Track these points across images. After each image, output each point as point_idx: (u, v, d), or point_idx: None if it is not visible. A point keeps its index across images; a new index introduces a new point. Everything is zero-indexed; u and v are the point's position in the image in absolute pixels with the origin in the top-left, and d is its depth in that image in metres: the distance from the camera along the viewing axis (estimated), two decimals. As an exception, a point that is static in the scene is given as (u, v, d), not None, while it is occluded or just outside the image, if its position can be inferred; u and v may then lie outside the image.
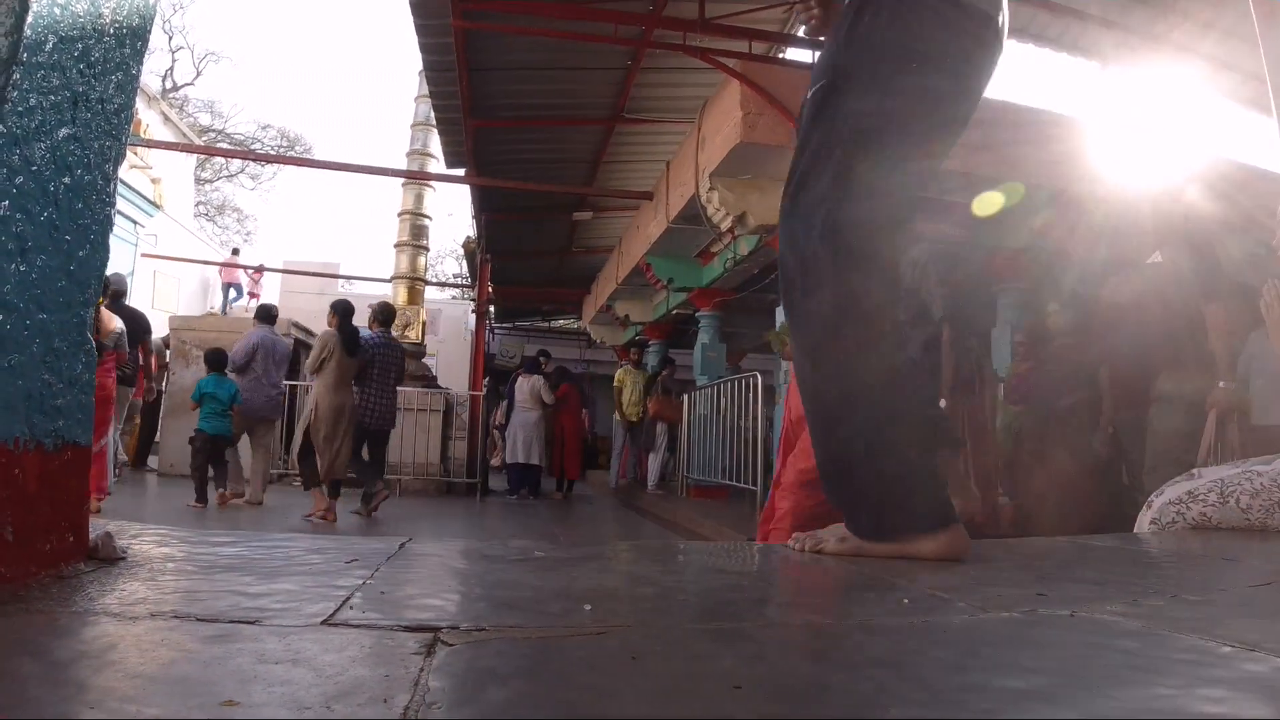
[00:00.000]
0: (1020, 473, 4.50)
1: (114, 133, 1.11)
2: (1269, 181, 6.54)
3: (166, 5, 24.46)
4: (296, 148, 28.10)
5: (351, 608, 0.93)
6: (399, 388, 10.11)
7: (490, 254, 12.52)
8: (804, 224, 1.42)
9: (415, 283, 12.33)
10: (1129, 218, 3.51)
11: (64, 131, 1.01)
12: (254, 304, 17.66)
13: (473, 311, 14.08)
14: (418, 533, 4.83)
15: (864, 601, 1.14)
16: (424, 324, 12.04)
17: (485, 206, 10.94)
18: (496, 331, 18.80)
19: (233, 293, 17.53)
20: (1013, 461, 4.64)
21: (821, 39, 1.65)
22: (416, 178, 11.81)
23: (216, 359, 7.12)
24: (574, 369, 13.18)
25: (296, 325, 11.71)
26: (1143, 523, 2.21)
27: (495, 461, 10.90)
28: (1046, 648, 0.88)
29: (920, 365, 3.29)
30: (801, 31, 6.41)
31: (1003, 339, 6.95)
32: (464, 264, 19.55)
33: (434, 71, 7.38)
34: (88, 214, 1.06)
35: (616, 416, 10.65)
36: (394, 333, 11.27)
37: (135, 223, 13.99)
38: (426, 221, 12.53)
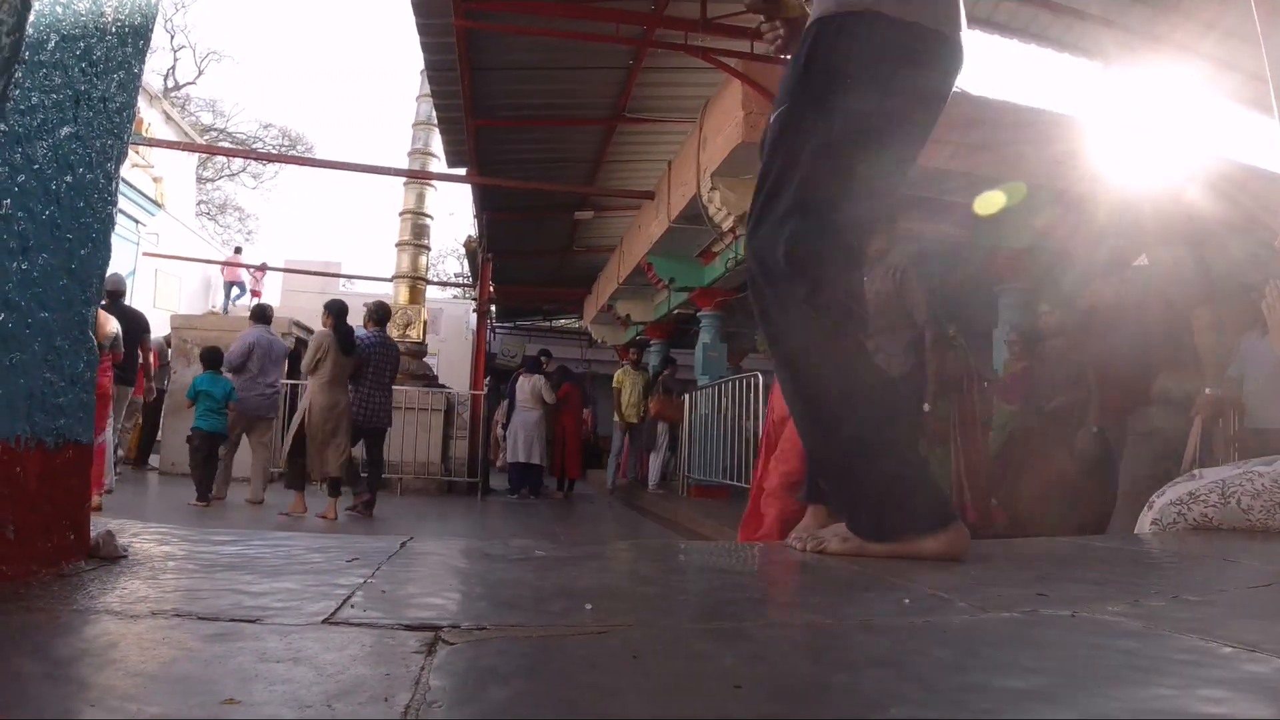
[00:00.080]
0: (1012, 473, 4.49)
1: (116, 131, 1.11)
2: (1270, 182, 6.53)
3: (168, 4, 24.49)
4: (298, 147, 28.14)
5: (353, 606, 0.93)
6: (402, 387, 10.24)
7: (492, 253, 12.52)
8: (769, 243, 1.46)
9: (417, 282, 12.33)
10: (1131, 218, 3.50)
11: (66, 130, 1.01)
12: (256, 302, 17.70)
13: (474, 311, 14.07)
14: (419, 532, 4.83)
15: (864, 601, 1.14)
16: (425, 323, 12.03)
17: (487, 206, 10.94)
18: (498, 331, 18.80)
19: (235, 291, 17.54)
20: (1006, 462, 4.63)
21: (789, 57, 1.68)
22: (418, 177, 11.81)
23: (212, 357, 7.16)
24: (575, 368, 13.17)
25: (298, 324, 11.72)
26: (1144, 523, 2.21)
27: (499, 463, 10.89)
28: (1047, 648, 0.88)
29: (909, 369, 3.31)
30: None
31: (1003, 339, 6.95)
32: (465, 263, 19.56)
33: (436, 71, 7.38)
34: (89, 212, 1.06)
35: (615, 418, 10.62)
36: (395, 332, 11.34)
37: (137, 221, 14.01)
38: (428, 221, 12.53)
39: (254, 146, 25.82)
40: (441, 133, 9.08)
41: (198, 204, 23.72)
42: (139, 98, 1.21)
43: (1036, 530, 3.90)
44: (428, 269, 13.16)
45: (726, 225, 7.42)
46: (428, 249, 12.80)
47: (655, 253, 9.37)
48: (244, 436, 7.34)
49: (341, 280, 20.09)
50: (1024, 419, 4.78)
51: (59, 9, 1.00)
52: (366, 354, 6.80)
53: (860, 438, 1.46)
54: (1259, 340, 4.22)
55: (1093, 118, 7.07)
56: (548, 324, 20.57)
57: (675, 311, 10.89)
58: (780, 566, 1.45)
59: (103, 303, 1.07)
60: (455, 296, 21.68)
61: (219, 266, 17.97)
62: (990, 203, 5.79)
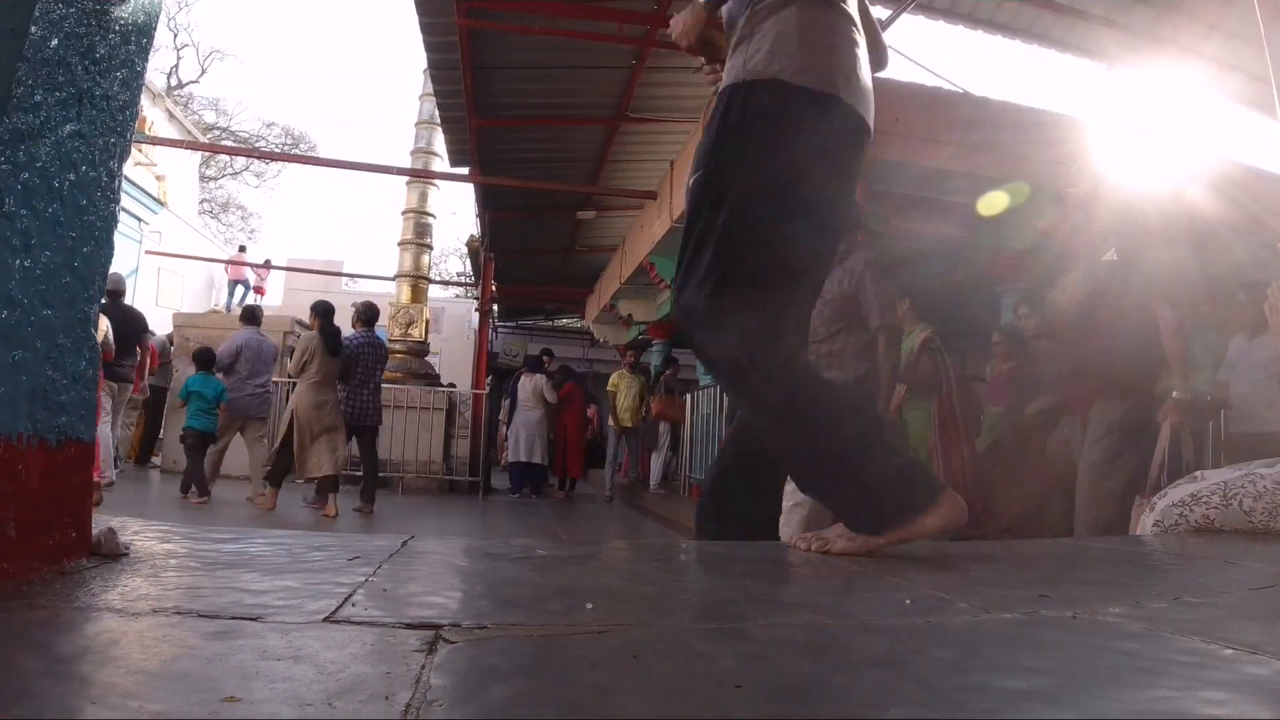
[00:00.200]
0: (998, 476, 4.47)
1: (119, 129, 1.11)
2: (1273, 183, 6.52)
3: (171, 2, 24.51)
4: (301, 145, 28.13)
5: (353, 605, 0.93)
6: (404, 386, 10.25)
7: (494, 252, 12.52)
8: (693, 302, 1.59)
9: (419, 281, 12.32)
10: (1134, 218, 3.48)
11: (69, 128, 1.02)
12: (261, 300, 17.70)
13: (476, 310, 14.07)
14: (420, 530, 4.84)
15: (865, 602, 1.14)
16: (427, 322, 12.01)
17: (489, 205, 10.94)
18: (500, 330, 18.80)
19: (240, 290, 17.55)
20: (993, 464, 4.61)
21: None
22: (420, 176, 11.80)
23: (204, 357, 7.21)
24: (577, 368, 13.16)
25: (300, 323, 11.71)
26: (1145, 524, 2.21)
27: (503, 462, 10.88)
28: (1048, 649, 0.88)
29: (863, 372, 3.32)
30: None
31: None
32: (468, 262, 19.55)
33: (439, 70, 7.37)
34: (92, 210, 1.06)
35: (610, 421, 10.56)
36: (397, 331, 11.35)
37: (140, 220, 14.01)
38: (430, 220, 12.52)
39: (257, 145, 25.82)
40: (444, 132, 9.08)
41: (200, 202, 23.74)
42: (142, 96, 1.21)
43: (1021, 533, 3.87)
44: (430, 268, 13.14)
45: (729, 225, 7.40)
46: (430, 248, 12.79)
47: (657, 253, 9.36)
48: (239, 436, 7.37)
49: (344, 279, 20.09)
50: (1009, 421, 4.79)
51: (62, 7, 1.00)
52: (354, 355, 6.83)
53: (834, 451, 1.53)
54: (1247, 343, 4.21)
55: (1095, 118, 7.06)
56: (550, 323, 20.56)
57: (677, 311, 10.84)
58: (781, 566, 1.45)
59: (103, 301, 1.07)
60: (458, 296, 21.67)
61: (223, 265, 17.99)
62: (993, 203, 5.78)
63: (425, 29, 6.60)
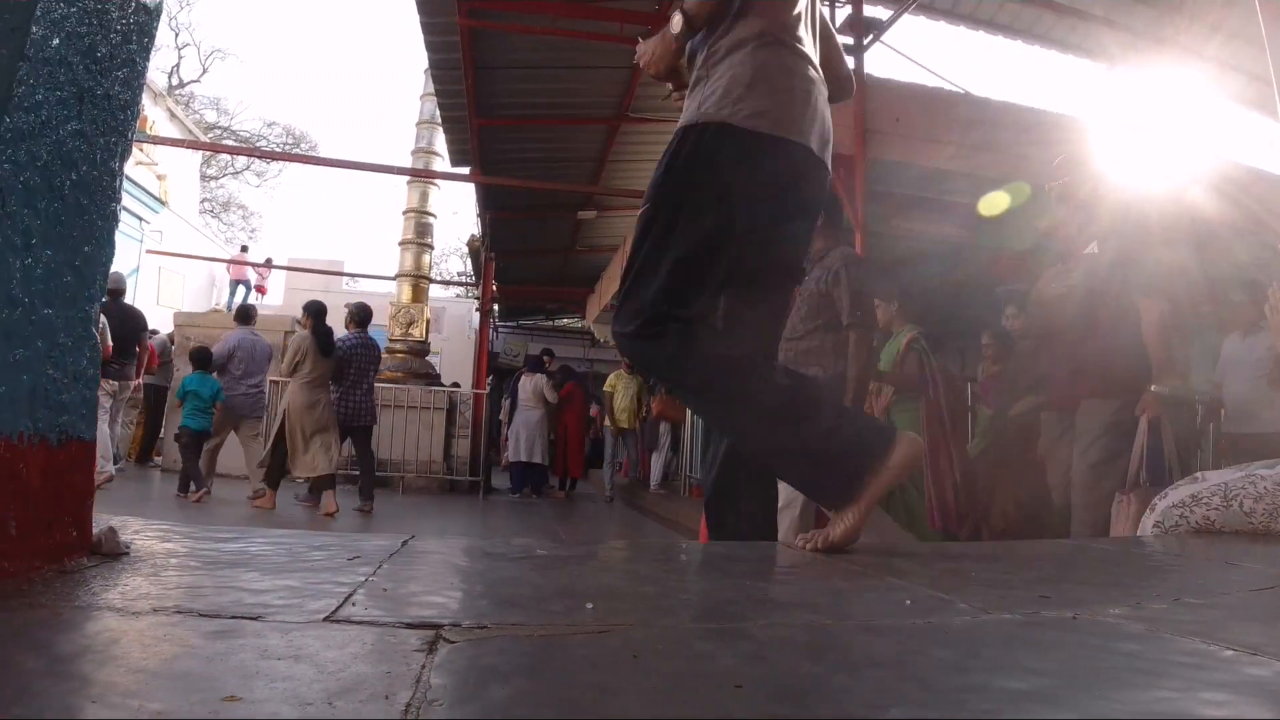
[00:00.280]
0: (988, 478, 4.44)
1: (120, 129, 1.11)
2: (1274, 185, 6.52)
3: (173, 2, 24.52)
4: (302, 145, 28.13)
5: (354, 604, 0.93)
6: (404, 385, 10.25)
7: (495, 252, 12.52)
8: (626, 327, 1.69)
9: (420, 280, 12.31)
10: (1135, 218, 3.46)
11: (70, 127, 1.02)
12: (262, 299, 17.71)
13: (477, 310, 14.06)
14: (420, 530, 4.84)
15: (865, 602, 1.14)
16: (428, 322, 12.01)
17: (490, 205, 10.94)
18: (500, 330, 18.80)
19: (241, 290, 17.57)
20: (985, 466, 4.59)
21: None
22: (421, 176, 11.80)
23: (201, 357, 7.24)
24: (578, 368, 13.15)
25: (300, 323, 11.70)
26: (1145, 525, 2.21)
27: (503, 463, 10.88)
28: (1048, 649, 0.88)
29: (838, 370, 3.31)
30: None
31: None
32: (468, 262, 19.54)
33: (440, 70, 7.38)
34: (93, 209, 1.06)
35: (607, 423, 10.54)
36: (398, 330, 11.35)
37: (141, 219, 14.01)
38: (431, 219, 12.52)
39: (258, 144, 25.81)
40: (445, 132, 9.08)
41: (201, 202, 23.74)
42: (143, 95, 1.21)
43: (1016, 536, 3.85)
44: (431, 267, 13.14)
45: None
46: (431, 247, 12.79)
47: (658, 252, 9.36)
48: (234, 434, 7.39)
49: (345, 279, 20.09)
50: (997, 423, 4.78)
51: (64, 6, 1.00)
52: (347, 355, 6.84)
53: (767, 425, 1.63)
54: (1241, 341, 4.20)
55: (1096, 119, 7.05)
56: (550, 323, 20.55)
57: (677, 311, 10.83)
58: (781, 567, 1.45)
59: (103, 300, 1.07)
60: (458, 295, 21.66)
61: (225, 265, 18.00)
62: (994, 204, 5.78)
63: (426, 29, 6.60)
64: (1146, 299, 3.07)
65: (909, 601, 1.09)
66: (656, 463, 10.46)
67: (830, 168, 1.83)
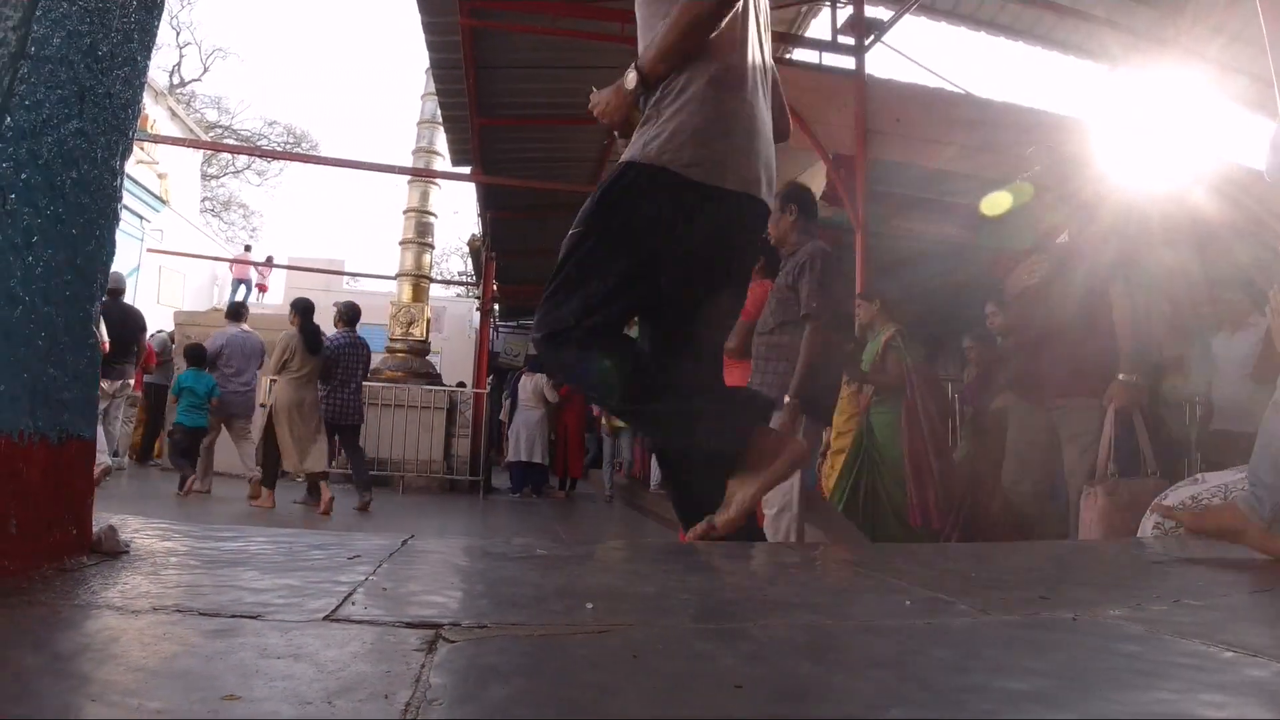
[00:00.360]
0: (971, 478, 4.43)
1: (121, 127, 1.11)
2: (1274, 185, 6.51)
3: (174, 1, 24.51)
4: (303, 144, 28.13)
5: (354, 603, 0.93)
6: (405, 384, 10.25)
7: (495, 252, 12.52)
8: (540, 330, 1.85)
9: (420, 280, 12.32)
10: (1136, 219, 3.45)
11: (71, 125, 1.02)
12: (263, 298, 17.73)
13: (477, 309, 14.07)
14: (420, 530, 4.84)
15: (865, 602, 1.14)
16: (428, 321, 12.02)
17: (491, 204, 10.94)
18: (501, 329, 18.79)
19: (242, 289, 17.59)
20: (967, 468, 4.58)
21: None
22: (422, 175, 11.81)
23: (195, 354, 7.28)
24: (577, 368, 13.10)
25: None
26: (1146, 526, 2.21)
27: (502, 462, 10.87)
28: (1048, 650, 0.88)
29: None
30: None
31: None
32: (469, 261, 19.53)
33: (441, 69, 7.38)
34: (94, 208, 1.06)
35: (604, 422, 10.51)
36: (398, 330, 11.35)
37: (141, 218, 14.01)
38: (432, 219, 12.52)
39: (259, 144, 25.82)
40: (446, 131, 9.08)
41: (202, 201, 23.74)
42: (144, 94, 1.21)
43: (989, 536, 3.84)
44: (431, 267, 13.14)
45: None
46: (431, 247, 12.79)
47: (658, 252, 9.36)
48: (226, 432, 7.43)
49: (345, 278, 20.09)
50: (979, 421, 4.78)
51: (65, 4, 1.00)
52: (335, 354, 6.85)
53: (678, 451, 1.85)
54: (1228, 340, 4.19)
55: (1098, 120, 7.05)
56: (551, 323, 20.50)
57: (678, 311, 10.83)
58: (781, 567, 1.44)
59: (103, 299, 1.07)
60: (459, 295, 21.65)
61: (227, 264, 18.02)
62: (996, 204, 5.77)
63: (428, 28, 6.60)
64: (1115, 286, 3.02)
65: (909, 602, 1.09)
66: (656, 463, 10.44)
67: (770, 206, 1.94)
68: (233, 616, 0.85)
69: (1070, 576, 1.41)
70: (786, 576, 1.38)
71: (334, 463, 7.19)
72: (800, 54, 7.26)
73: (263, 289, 18.34)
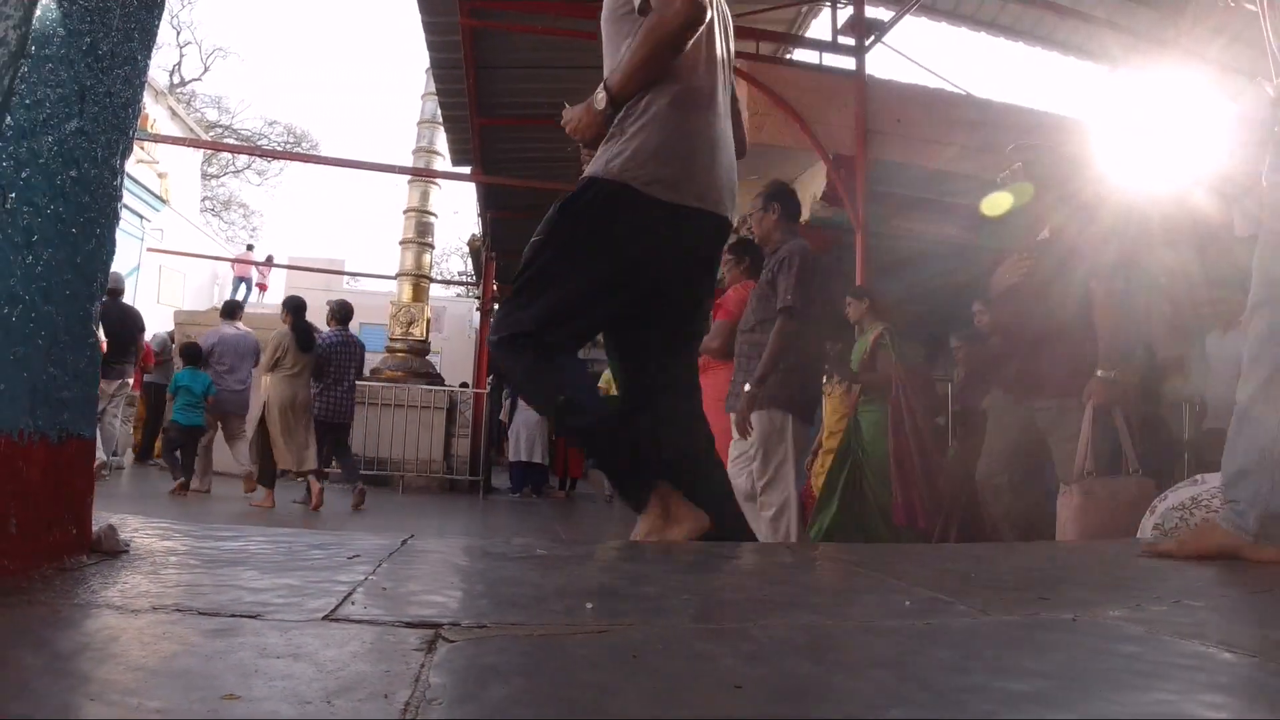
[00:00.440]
0: (959, 477, 4.41)
1: (121, 127, 1.11)
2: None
3: (174, 0, 24.50)
4: (303, 144, 28.12)
5: (353, 603, 0.93)
6: (405, 384, 10.25)
7: (495, 252, 12.50)
8: (496, 331, 1.90)
9: (420, 280, 12.32)
10: (1137, 219, 3.45)
11: (71, 125, 1.02)
12: (263, 297, 17.73)
13: (477, 309, 14.07)
14: (420, 529, 4.83)
15: (865, 603, 1.14)
16: (428, 321, 12.01)
17: (491, 204, 10.93)
18: (501, 329, 18.76)
19: (243, 288, 17.60)
20: (955, 468, 4.56)
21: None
22: (422, 175, 11.80)
23: (191, 352, 7.29)
24: (577, 367, 13.10)
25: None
26: (1145, 527, 2.21)
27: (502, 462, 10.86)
28: (1048, 651, 0.88)
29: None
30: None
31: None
32: (469, 261, 19.53)
33: (441, 69, 7.38)
34: (94, 208, 1.06)
35: None
36: (398, 329, 11.35)
37: (142, 217, 14.00)
38: (432, 219, 12.51)
39: (259, 143, 25.81)
40: (446, 131, 9.08)
41: (202, 200, 23.73)
42: (144, 93, 1.21)
43: (986, 536, 3.82)
44: (431, 267, 13.13)
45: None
46: (432, 247, 12.79)
47: (658, 253, 9.35)
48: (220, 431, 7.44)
49: (346, 277, 20.09)
50: (969, 421, 4.77)
51: (65, 4, 1.00)
52: (327, 352, 6.86)
53: (564, 417, 1.85)
54: (1220, 339, 4.18)
55: (1098, 121, 7.05)
56: (551, 323, 20.50)
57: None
58: (781, 567, 1.44)
59: (103, 299, 1.07)
60: (459, 295, 21.66)
61: (228, 263, 18.03)
62: (996, 204, 5.77)
63: (428, 28, 6.60)
64: (1095, 279, 2.99)
65: (908, 602, 1.09)
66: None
67: (731, 222, 2.03)
68: (232, 616, 0.85)
69: (1070, 577, 1.41)
70: (786, 576, 1.38)
71: (328, 461, 7.19)
72: (800, 54, 7.26)
73: (263, 288, 18.34)
